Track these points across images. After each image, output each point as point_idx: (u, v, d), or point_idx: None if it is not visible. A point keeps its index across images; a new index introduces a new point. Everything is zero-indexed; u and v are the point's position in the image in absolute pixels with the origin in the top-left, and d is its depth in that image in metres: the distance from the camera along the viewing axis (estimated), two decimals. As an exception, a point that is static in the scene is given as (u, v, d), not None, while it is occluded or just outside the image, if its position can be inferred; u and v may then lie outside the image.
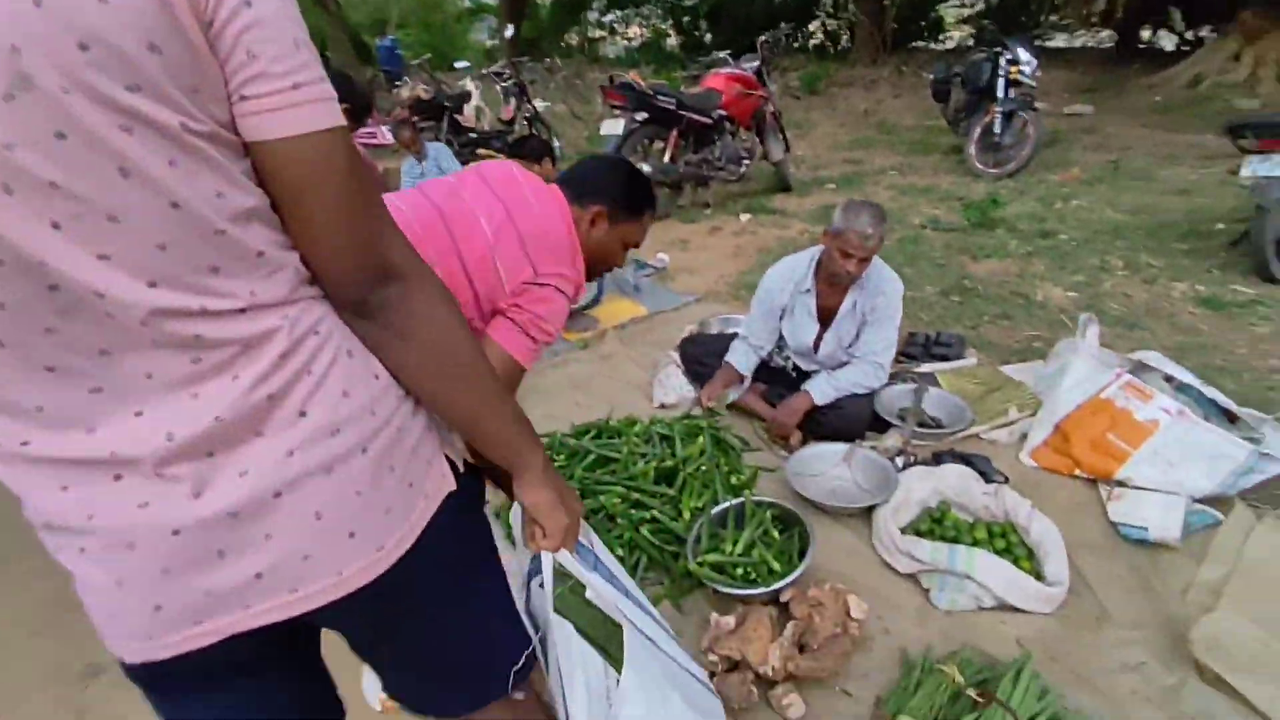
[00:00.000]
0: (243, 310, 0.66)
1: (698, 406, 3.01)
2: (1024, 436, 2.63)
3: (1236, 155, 3.98)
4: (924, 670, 1.72)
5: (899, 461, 2.52)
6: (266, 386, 0.67)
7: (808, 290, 2.73)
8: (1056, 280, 4.10)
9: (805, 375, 2.92)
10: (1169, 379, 2.48)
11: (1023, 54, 6.42)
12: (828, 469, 2.55)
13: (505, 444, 0.90)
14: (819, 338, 2.78)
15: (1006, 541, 2.09)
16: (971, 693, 1.63)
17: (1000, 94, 6.35)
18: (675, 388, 3.10)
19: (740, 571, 1.96)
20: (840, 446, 2.57)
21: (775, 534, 2.09)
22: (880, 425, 2.73)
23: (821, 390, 2.64)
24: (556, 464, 2.53)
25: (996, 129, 6.39)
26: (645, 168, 5.57)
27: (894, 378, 2.90)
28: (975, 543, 2.08)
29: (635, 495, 2.29)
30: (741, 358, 2.93)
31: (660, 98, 5.53)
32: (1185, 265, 4.14)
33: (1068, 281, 4.08)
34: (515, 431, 0.91)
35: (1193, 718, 1.62)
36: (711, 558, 1.99)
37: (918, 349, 3.30)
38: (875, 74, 12.20)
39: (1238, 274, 3.92)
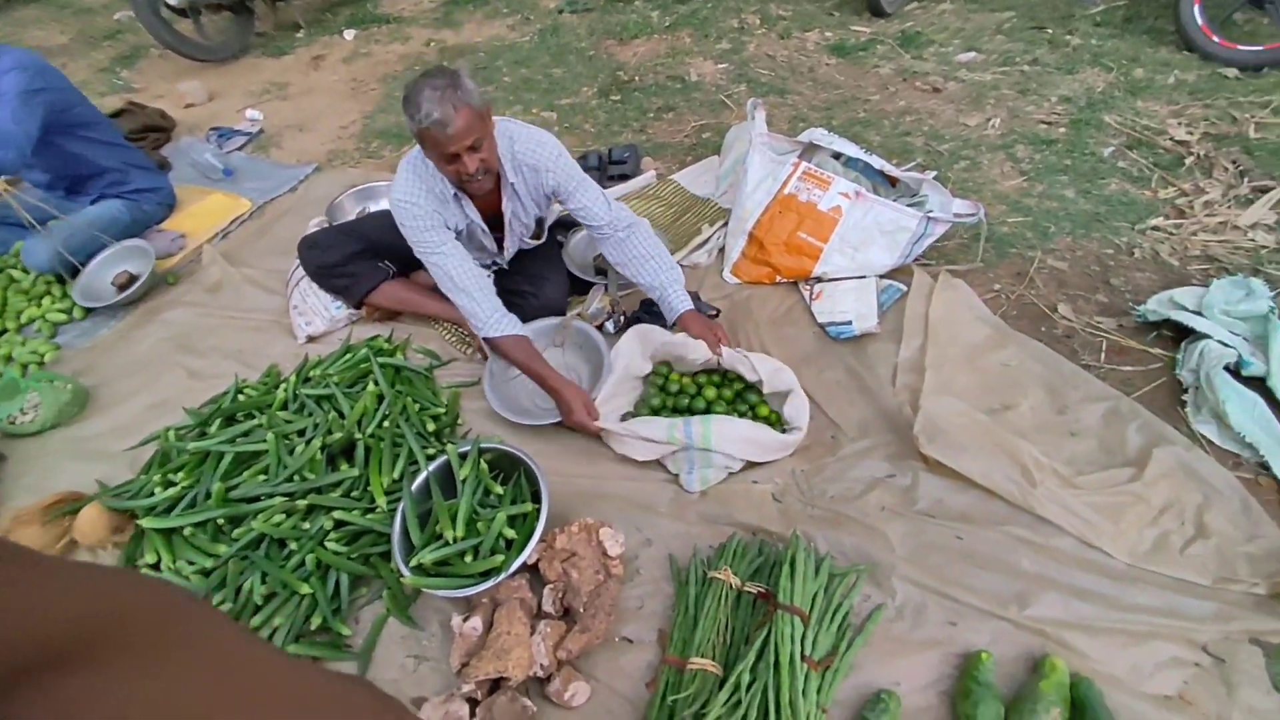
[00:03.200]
0: None
1: (359, 323, 2.33)
2: (721, 252, 2.45)
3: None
4: (698, 585, 1.53)
5: (609, 326, 2.20)
6: None
7: (456, 195, 1.89)
8: (705, 52, 3.85)
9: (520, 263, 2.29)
10: (837, 155, 2.40)
11: None
12: (536, 360, 2.14)
13: None
14: (500, 244, 2.13)
15: (734, 389, 1.93)
16: (751, 589, 1.49)
17: None
18: (321, 310, 2.35)
19: (470, 559, 1.54)
20: (546, 324, 2.15)
21: (497, 487, 1.67)
22: (577, 285, 2.35)
23: (678, 297, 1.99)
24: (180, 487, 1.77)
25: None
26: (180, -12, 3.95)
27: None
28: (708, 404, 1.88)
29: (304, 499, 1.68)
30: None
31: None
32: (809, 10, 4.13)
33: (715, 51, 3.85)
34: None
35: (928, 512, 1.67)
36: (430, 556, 1.53)
37: (594, 173, 2.88)
38: None
39: (851, 12, 4.01)
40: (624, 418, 1.89)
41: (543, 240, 2.20)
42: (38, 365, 2.36)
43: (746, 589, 1.50)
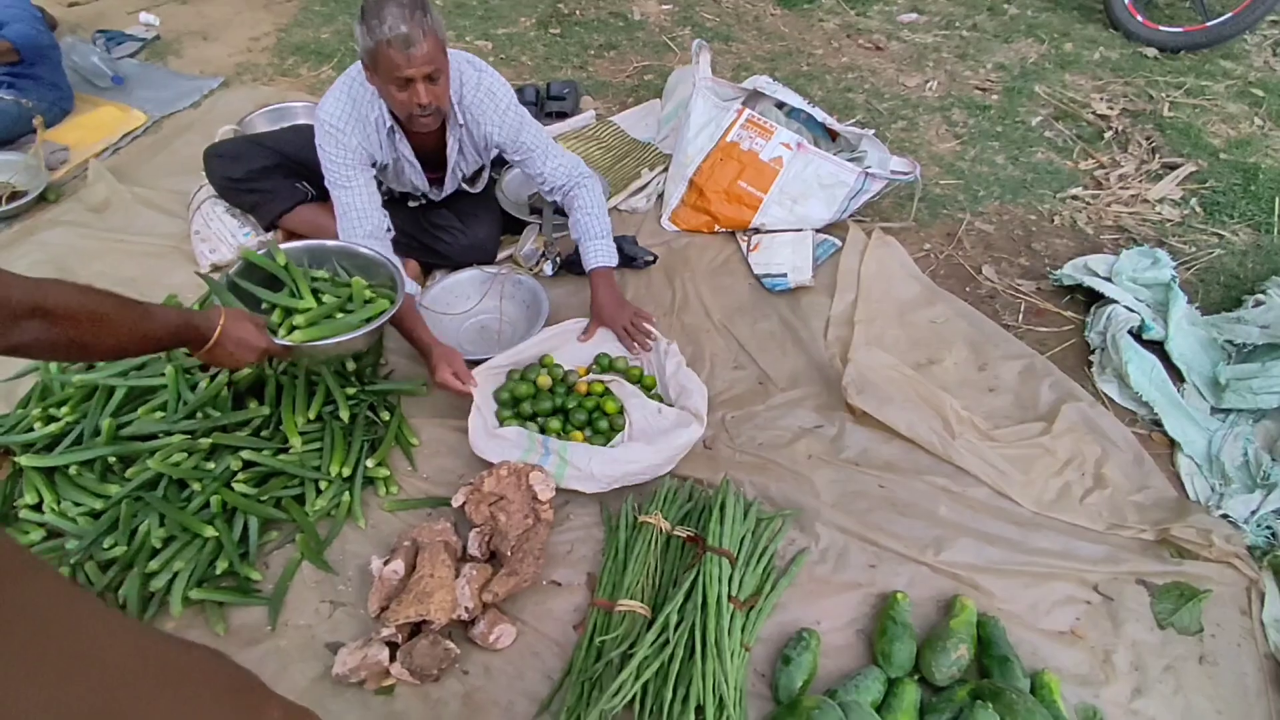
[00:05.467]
0: None
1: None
2: (661, 198, 2.40)
3: None
4: (628, 529, 1.52)
5: (547, 268, 2.12)
6: None
7: (391, 129, 1.75)
8: (649, -10, 3.72)
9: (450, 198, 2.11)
10: (780, 105, 2.36)
11: None
12: (472, 303, 2.05)
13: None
14: (433, 182, 1.99)
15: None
16: (680, 533, 1.49)
17: None
18: (227, 237, 2.16)
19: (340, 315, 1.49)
20: (482, 273, 2.06)
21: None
22: (511, 223, 2.25)
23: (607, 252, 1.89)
24: (63, 422, 1.61)
25: None
26: None
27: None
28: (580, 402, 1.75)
29: (207, 438, 1.56)
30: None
31: None
32: (757, -43, 4.03)
33: (659, -9, 3.72)
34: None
35: (854, 461, 1.71)
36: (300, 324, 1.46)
37: (530, 108, 2.73)
38: None
39: (800, -37, 3.94)
40: (497, 394, 1.77)
41: (479, 189, 2.08)
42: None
43: (676, 533, 1.50)
